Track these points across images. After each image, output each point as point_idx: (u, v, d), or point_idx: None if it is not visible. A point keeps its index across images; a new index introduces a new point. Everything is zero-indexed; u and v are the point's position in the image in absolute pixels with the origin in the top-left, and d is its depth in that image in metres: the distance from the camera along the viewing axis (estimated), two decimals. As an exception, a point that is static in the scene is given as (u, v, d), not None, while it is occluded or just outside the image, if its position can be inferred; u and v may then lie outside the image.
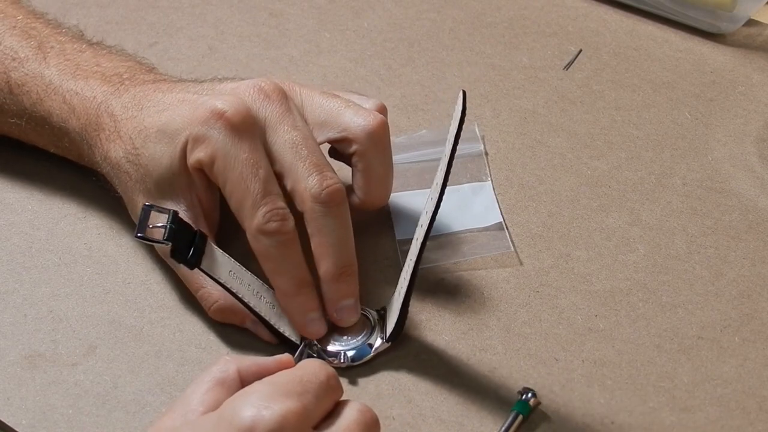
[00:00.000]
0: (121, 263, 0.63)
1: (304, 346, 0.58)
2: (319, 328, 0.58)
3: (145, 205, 0.56)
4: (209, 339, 0.59)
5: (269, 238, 0.57)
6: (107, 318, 0.60)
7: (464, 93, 0.54)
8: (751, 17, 0.80)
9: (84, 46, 0.66)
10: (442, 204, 0.66)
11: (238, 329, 0.60)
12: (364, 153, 0.60)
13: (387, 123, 0.61)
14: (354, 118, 0.60)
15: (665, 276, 0.63)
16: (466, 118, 0.54)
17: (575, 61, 0.78)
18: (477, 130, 0.71)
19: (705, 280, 0.63)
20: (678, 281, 0.63)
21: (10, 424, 0.55)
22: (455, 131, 0.54)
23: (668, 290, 0.62)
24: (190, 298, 0.61)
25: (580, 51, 0.79)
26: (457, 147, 0.55)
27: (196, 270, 0.57)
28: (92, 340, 0.59)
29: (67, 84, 0.63)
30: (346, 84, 0.75)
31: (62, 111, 0.63)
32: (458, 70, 0.77)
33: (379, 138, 0.61)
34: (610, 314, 0.61)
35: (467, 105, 0.54)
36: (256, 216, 0.56)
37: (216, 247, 0.58)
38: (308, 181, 0.57)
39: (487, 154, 0.70)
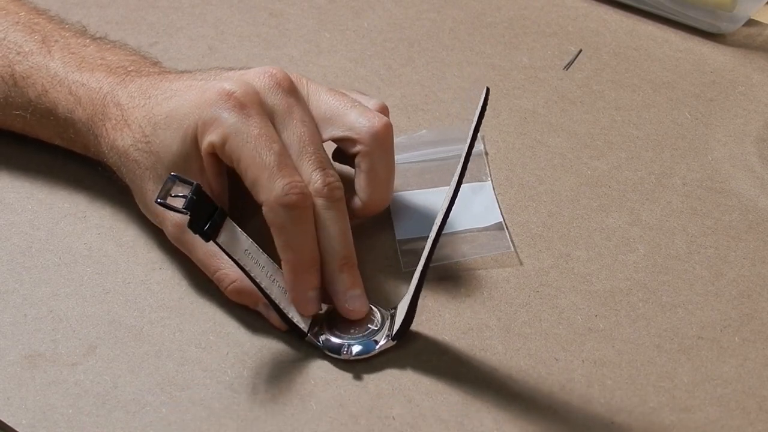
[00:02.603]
0: (121, 263, 0.63)
1: (312, 335, 0.58)
2: (315, 306, 0.59)
3: (171, 174, 0.56)
4: (209, 339, 0.59)
5: (287, 210, 0.56)
6: (107, 318, 0.60)
7: (488, 90, 0.54)
8: (751, 17, 0.80)
9: (88, 40, 0.67)
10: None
11: (238, 329, 0.60)
12: (368, 154, 0.61)
13: (391, 125, 0.61)
14: (359, 118, 0.60)
15: (665, 276, 0.63)
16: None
17: (575, 61, 0.78)
18: (477, 130, 0.72)
19: (705, 280, 0.63)
20: (678, 281, 0.63)
21: (10, 424, 0.55)
22: (473, 128, 0.54)
23: (668, 290, 0.62)
24: (190, 298, 0.61)
25: (580, 51, 0.79)
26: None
27: (212, 252, 0.56)
28: (92, 340, 0.59)
29: (72, 76, 0.63)
30: (346, 84, 0.75)
31: (68, 102, 0.63)
32: (458, 70, 0.77)
33: (383, 140, 0.61)
34: (610, 314, 0.61)
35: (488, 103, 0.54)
36: (274, 188, 0.56)
37: (236, 225, 0.58)
38: (312, 176, 0.58)
39: (487, 154, 0.70)
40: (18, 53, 0.65)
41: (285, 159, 0.57)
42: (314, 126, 0.60)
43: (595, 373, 0.58)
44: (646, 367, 0.58)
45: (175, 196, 0.56)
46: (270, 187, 0.56)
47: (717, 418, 0.56)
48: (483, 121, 0.55)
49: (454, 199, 0.55)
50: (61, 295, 0.62)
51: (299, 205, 0.57)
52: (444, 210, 0.56)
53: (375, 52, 0.78)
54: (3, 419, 0.55)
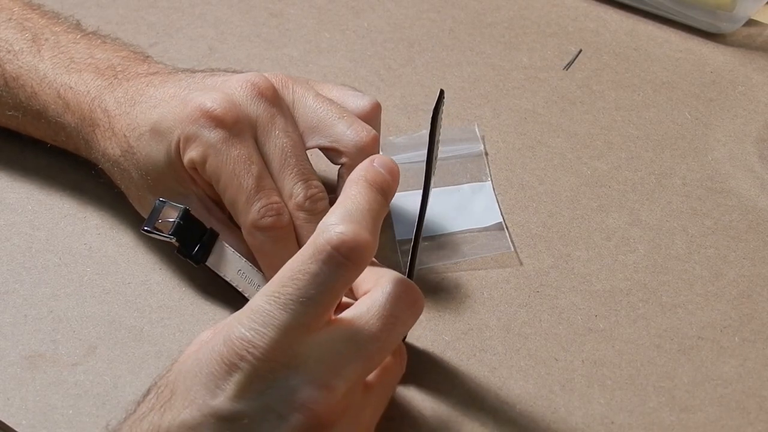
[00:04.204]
0: (121, 263, 0.63)
1: None
2: None
3: (159, 200, 0.58)
4: (209, 339, 0.59)
5: (264, 233, 0.57)
6: (107, 318, 0.60)
7: (441, 92, 0.54)
8: (751, 17, 0.80)
9: (78, 36, 0.66)
10: (442, 204, 0.66)
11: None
12: (353, 167, 0.60)
13: (378, 138, 0.60)
14: (347, 130, 0.59)
15: (665, 276, 0.63)
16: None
17: (575, 61, 0.78)
18: (477, 130, 0.71)
19: (705, 280, 0.63)
20: (678, 281, 0.63)
21: (10, 425, 0.55)
22: (430, 131, 0.54)
23: (668, 290, 0.62)
24: (190, 298, 0.61)
25: (580, 51, 0.79)
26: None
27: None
28: (92, 340, 0.59)
29: (61, 78, 0.63)
30: (346, 84, 0.75)
31: (57, 106, 0.63)
32: (458, 70, 0.77)
33: (369, 154, 0.60)
34: (610, 314, 0.61)
35: (443, 104, 0.54)
36: (251, 211, 0.57)
37: (227, 246, 0.58)
38: (294, 189, 0.57)
39: (487, 154, 0.70)
40: (8, 52, 0.65)
41: (262, 181, 0.57)
42: (297, 136, 0.59)
43: (595, 373, 0.58)
44: (646, 367, 0.58)
45: (163, 221, 0.56)
46: (247, 211, 0.57)
47: (717, 418, 0.56)
48: (441, 123, 0.54)
49: (424, 208, 0.55)
50: (61, 295, 0.61)
51: (275, 226, 0.57)
52: (416, 222, 0.55)
53: (375, 52, 0.78)
54: (3, 419, 0.55)
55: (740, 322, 0.61)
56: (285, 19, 0.81)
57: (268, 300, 0.47)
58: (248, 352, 0.46)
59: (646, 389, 0.57)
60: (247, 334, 0.46)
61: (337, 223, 0.48)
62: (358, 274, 0.48)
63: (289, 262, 0.48)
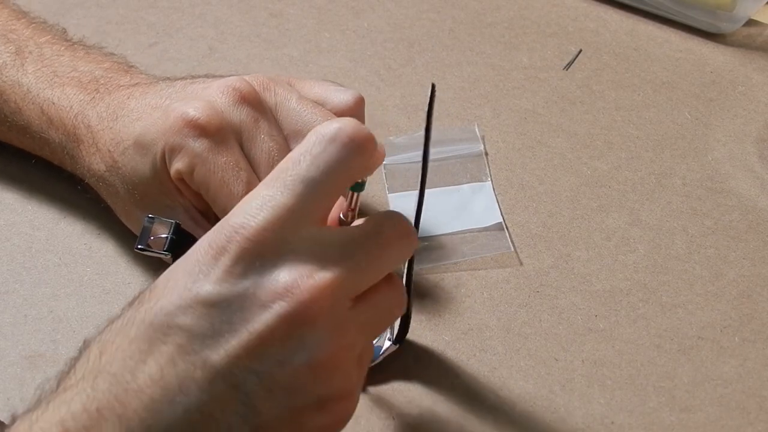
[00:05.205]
0: (121, 263, 0.63)
1: None
2: None
3: (147, 217, 0.57)
4: (209, 339, 0.59)
5: None
6: (107, 318, 0.60)
7: (433, 86, 0.53)
8: (751, 17, 0.80)
9: (63, 48, 0.65)
10: (442, 204, 0.66)
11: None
12: None
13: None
14: None
15: (665, 276, 0.63)
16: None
17: (575, 61, 0.78)
18: (477, 130, 0.71)
19: (705, 280, 0.63)
20: (678, 281, 0.63)
21: (10, 425, 0.55)
22: (425, 126, 0.54)
23: (668, 290, 0.62)
24: (190, 298, 0.61)
25: (580, 51, 0.79)
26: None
27: None
28: (92, 340, 0.59)
29: (44, 93, 0.63)
30: (346, 84, 0.75)
31: (41, 121, 0.62)
32: (458, 70, 0.77)
33: None
34: (610, 314, 0.61)
35: (435, 100, 0.53)
36: None
37: None
38: None
39: (487, 154, 0.70)
40: None
41: (252, 186, 0.56)
42: (282, 139, 0.58)
43: (595, 373, 0.58)
44: (646, 367, 0.58)
45: (155, 237, 0.56)
46: None
47: (717, 418, 0.56)
48: (433, 118, 0.54)
49: (421, 205, 0.55)
50: (61, 295, 0.61)
51: None
52: (413, 221, 0.55)
53: (375, 52, 0.78)
54: (3, 420, 0.55)
55: (740, 322, 0.61)
56: (285, 19, 0.81)
57: (267, 184, 0.46)
58: (237, 233, 0.45)
59: (646, 389, 0.57)
60: (240, 218, 0.45)
61: (336, 120, 0.47)
62: (361, 165, 0.47)
63: (292, 151, 0.47)
